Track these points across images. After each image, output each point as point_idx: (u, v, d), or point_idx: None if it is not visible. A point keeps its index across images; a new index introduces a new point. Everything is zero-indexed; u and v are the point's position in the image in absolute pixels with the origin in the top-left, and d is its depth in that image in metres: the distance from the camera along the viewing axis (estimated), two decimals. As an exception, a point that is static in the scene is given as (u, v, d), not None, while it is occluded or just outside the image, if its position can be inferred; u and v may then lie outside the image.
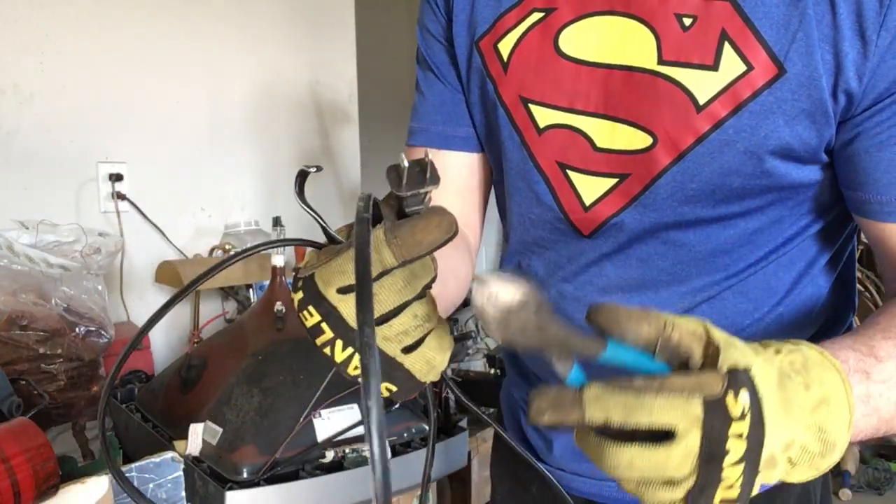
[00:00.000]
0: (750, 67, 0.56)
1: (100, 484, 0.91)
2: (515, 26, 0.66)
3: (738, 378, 0.38)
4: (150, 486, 0.96)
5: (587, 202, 0.65)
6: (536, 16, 0.65)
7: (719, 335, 0.41)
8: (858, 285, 4.51)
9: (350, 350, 0.43)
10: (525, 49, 0.66)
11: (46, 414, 1.18)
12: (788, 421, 0.40)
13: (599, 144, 0.63)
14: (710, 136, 0.58)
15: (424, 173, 0.43)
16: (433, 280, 0.44)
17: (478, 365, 1.57)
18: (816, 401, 0.42)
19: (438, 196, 0.75)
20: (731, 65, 0.56)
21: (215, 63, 1.97)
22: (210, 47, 1.95)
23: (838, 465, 3.10)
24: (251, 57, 2.07)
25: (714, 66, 0.57)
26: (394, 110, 5.93)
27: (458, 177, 0.76)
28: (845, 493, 2.88)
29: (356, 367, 0.43)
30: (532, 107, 0.66)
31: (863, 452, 3.19)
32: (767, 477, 0.40)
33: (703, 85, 0.58)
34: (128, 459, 1.16)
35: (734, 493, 0.38)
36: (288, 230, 1.70)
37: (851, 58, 0.54)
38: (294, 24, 2.21)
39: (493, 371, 1.46)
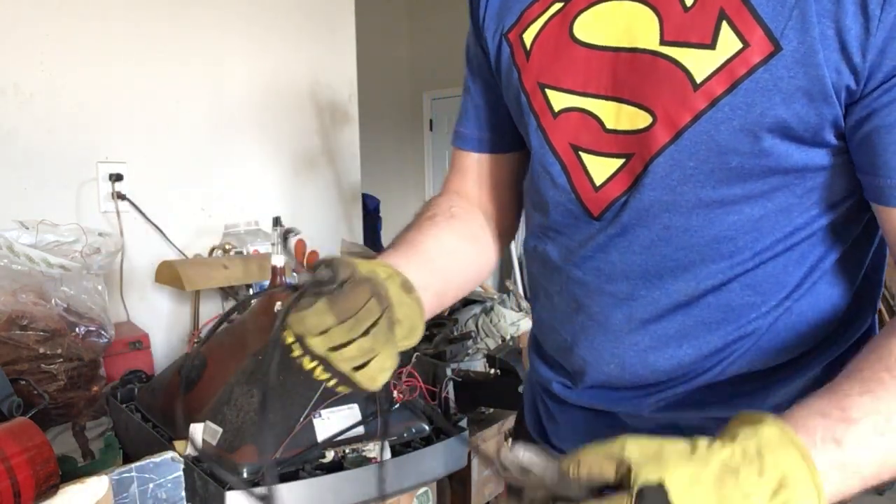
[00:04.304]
0: (746, 45, 0.57)
1: (100, 484, 0.91)
2: (539, 17, 0.70)
3: (645, 494, 0.41)
4: (150, 486, 0.96)
5: (597, 182, 0.67)
6: (557, 6, 0.68)
7: (635, 452, 0.43)
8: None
9: (315, 363, 0.59)
10: (545, 37, 0.69)
11: (46, 414, 1.18)
12: None
13: (609, 126, 0.65)
14: (707, 113, 0.59)
15: (333, 271, 0.58)
16: (377, 319, 0.58)
17: (478, 365, 1.57)
18: (775, 484, 0.42)
19: (462, 185, 0.86)
20: (728, 43, 0.57)
21: (215, 63, 1.97)
22: (210, 47, 1.95)
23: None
24: (251, 57, 2.07)
25: (712, 45, 0.58)
26: (394, 110, 5.93)
27: (473, 172, 0.85)
28: (845, 493, 2.88)
29: (320, 374, 0.59)
30: (548, 91, 0.69)
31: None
32: None
33: (700, 63, 0.59)
34: (128, 459, 1.15)
35: None
36: (288, 230, 1.70)
37: (854, 33, 0.53)
38: (294, 24, 2.21)
39: (492, 371, 1.46)
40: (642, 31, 0.62)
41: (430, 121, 5.71)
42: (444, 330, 1.66)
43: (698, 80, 0.59)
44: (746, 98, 0.57)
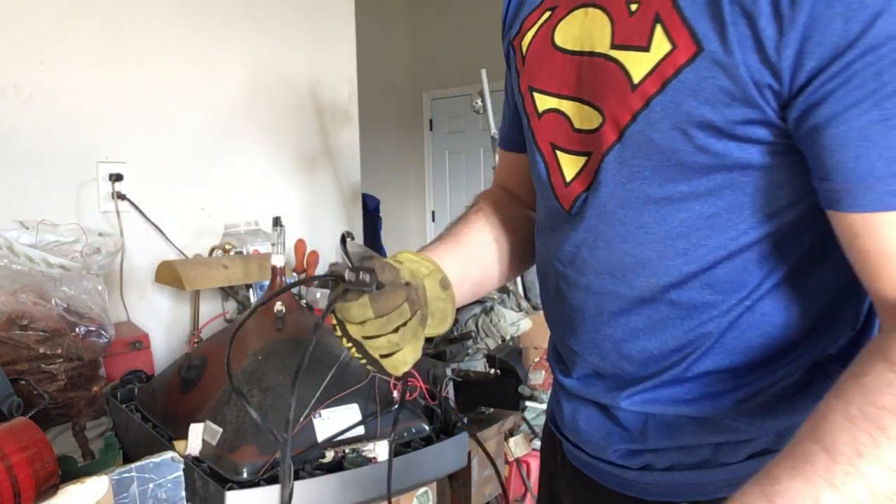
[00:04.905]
0: (674, 47, 0.59)
1: (100, 484, 0.91)
2: (533, 25, 0.76)
3: None
4: (150, 485, 0.96)
5: (568, 179, 0.72)
6: (546, 14, 0.74)
7: None
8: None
9: (351, 344, 0.70)
10: (535, 44, 0.75)
11: (46, 414, 1.18)
12: None
13: (576, 126, 0.70)
14: (642, 113, 0.62)
15: (375, 273, 0.67)
16: (407, 320, 0.68)
17: (478, 365, 1.57)
18: None
19: (505, 179, 0.96)
20: (660, 45, 0.60)
21: (215, 63, 1.97)
22: (210, 47, 1.95)
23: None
24: (251, 57, 2.07)
25: (647, 47, 0.61)
26: (394, 110, 5.92)
27: (509, 168, 0.94)
28: (845, 493, 2.87)
29: (354, 354, 0.71)
30: (535, 94, 0.75)
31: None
32: None
33: (638, 65, 0.62)
34: (128, 459, 1.16)
35: None
36: (288, 230, 1.70)
37: (769, 34, 0.54)
38: (294, 24, 2.21)
39: (492, 371, 1.46)
40: (599, 35, 0.66)
41: (430, 121, 5.71)
42: (444, 330, 1.66)
43: (636, 81, 0.62)
44: (675, 97, 0.60)
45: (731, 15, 0.56)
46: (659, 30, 0.60)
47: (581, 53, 0.68)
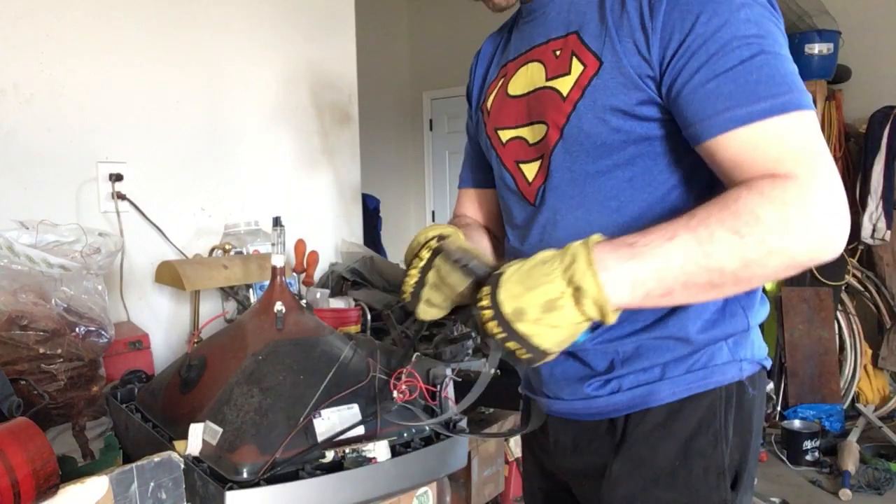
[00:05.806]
0: (585, 66, 0.89)
1: (100, 484, 0.91)
2: (494, 90, 1.06)
3: (490, 278, 0.78)
4: (150, 485, 0.96)
5: (529, 179, 0.99)
6: (502, 80, 1.04)
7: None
8: (858, 284, 4.35)
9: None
10: (495, 100, 1.05)
11: (46, 414, 1.18)
12: (524, 286, 0.74)
13: (530, 142, 0.98)
14: (572, 113, 0.90)
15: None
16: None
17: (478, 365, 1.56)
18: (569, 260, 0.73)
19: (468, 214, 1.23)
20: (577, 68, 0.90)
21: (215, 63, 1.97)
22: (210, 47, 1.95)
23: (838, 465, 3.09)
24: (251, 57, 2.07)
25: (568, 72, 0.91)
26: (394, 110, 5.91)
27: (472, 201, 1.20)
28: (845, 493, 2.87)
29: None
30: (499, 131, 1.03)
31: (863, 452, 3.19)
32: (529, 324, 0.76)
33: (565, 85, 0.91)
34: (128, 459, 1.16)
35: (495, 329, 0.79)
36: (288, 230, 1.70)
37: (641, 41, 0.84)
38: (294, 24, 2.21)
39: (493, 371, 1.46)
40: (538, 77, 0.95)
41: (430, 121, 5.71)
42: (444, 330, 1.66)
43: (565, 95, 0.91)
44: (591, 97, 0.88)
45: (619, 36, 0.85)
46: (575, 59, 0.90)
47: (527, 94, 0.97)
